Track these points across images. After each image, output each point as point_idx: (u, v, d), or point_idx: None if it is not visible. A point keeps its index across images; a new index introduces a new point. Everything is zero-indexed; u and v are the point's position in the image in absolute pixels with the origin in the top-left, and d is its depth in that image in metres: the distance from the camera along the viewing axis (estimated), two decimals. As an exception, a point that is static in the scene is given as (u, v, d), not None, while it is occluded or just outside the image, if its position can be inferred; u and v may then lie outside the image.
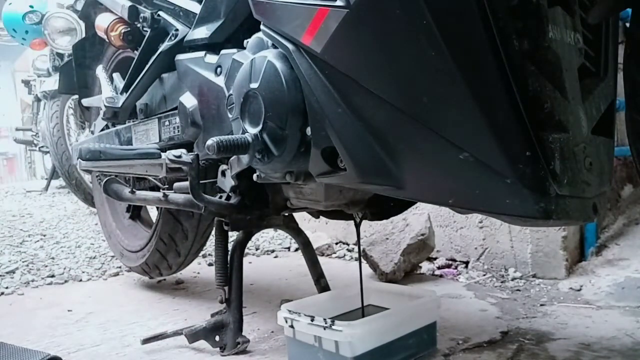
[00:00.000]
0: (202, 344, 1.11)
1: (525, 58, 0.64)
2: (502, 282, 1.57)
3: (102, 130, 1.57)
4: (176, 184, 1.20)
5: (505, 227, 1.64)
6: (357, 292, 1.12)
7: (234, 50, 1.01)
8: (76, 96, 1.80)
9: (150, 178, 1.43)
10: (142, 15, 1.28)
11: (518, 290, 1.48)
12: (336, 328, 0.89)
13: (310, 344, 0.94)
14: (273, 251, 2.25)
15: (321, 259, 1.37)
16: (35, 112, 5.68)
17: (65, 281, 1.84)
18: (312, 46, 0.75)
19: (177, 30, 1.19)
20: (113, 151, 1.19)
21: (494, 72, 0.62)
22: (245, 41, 0.97)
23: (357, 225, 1.14)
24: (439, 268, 1.75)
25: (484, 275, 1.64)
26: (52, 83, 3.48)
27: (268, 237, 2.41)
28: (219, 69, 1.05)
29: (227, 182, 1.09)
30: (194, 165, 1.00)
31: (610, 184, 0.75)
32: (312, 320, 0.93)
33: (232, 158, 1.03)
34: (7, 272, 1.92)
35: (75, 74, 1.70)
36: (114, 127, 1.49)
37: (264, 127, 0.85)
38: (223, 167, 1.10)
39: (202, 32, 1.11)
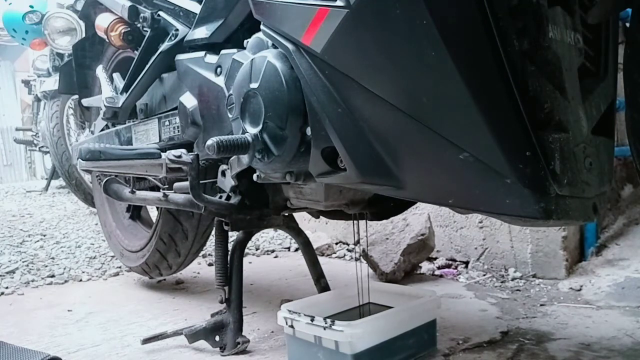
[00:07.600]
0: (202, 344, 1.11)
1: (525, 58, 0.64)
2: (502, 282, 1.57)
3: (102, 130, 1.57)
4: (176, 184, 1.20)
5: (505, 227, 1.64)
6: (357, 292, 1.12)
7: (234, 50, 1.01)
8: (76, 96, 1.80)
9: (150, 178, 1.43)
10: (142, 15, 1.28)
11: (518, 290, 1.48)
12: (336, 328, 0.89)
13: (310, 342, 0.94)
14: (273, 251, 2.25)
15: (321, 259, 1.37)
16: (35, 112, 5.67)
17: (65, 281, 1.84)
18: (312, 46, 0.75)
19: (177, 30, 1.19)
20: (113, 151, 1.19)
21: (494, 72, 0.62)
22: (245, 41, 0.97)
23: (358, 222, 1.14)
24: (439, 268, 1.75)
25: (484, 275, 1.64)
26: (52, 83, 3.47)
27: (268, 237, 2.41)
28: (219, 69, 1.05)
29: (227, 182, 1.09)
30: (194, 165, 1.00)
31: (610, 184, 0.75)
32: (312, 320, 0.93)
33: (232, 158, 1.03)
34: (7, 272, 1.92)
35: (75, 74, 1.70)
36: (114, 127, 1.49)
37: (264, 127, 0.85)
38: (223, 167, 1.10)
39: (202, 32, 1.11)
